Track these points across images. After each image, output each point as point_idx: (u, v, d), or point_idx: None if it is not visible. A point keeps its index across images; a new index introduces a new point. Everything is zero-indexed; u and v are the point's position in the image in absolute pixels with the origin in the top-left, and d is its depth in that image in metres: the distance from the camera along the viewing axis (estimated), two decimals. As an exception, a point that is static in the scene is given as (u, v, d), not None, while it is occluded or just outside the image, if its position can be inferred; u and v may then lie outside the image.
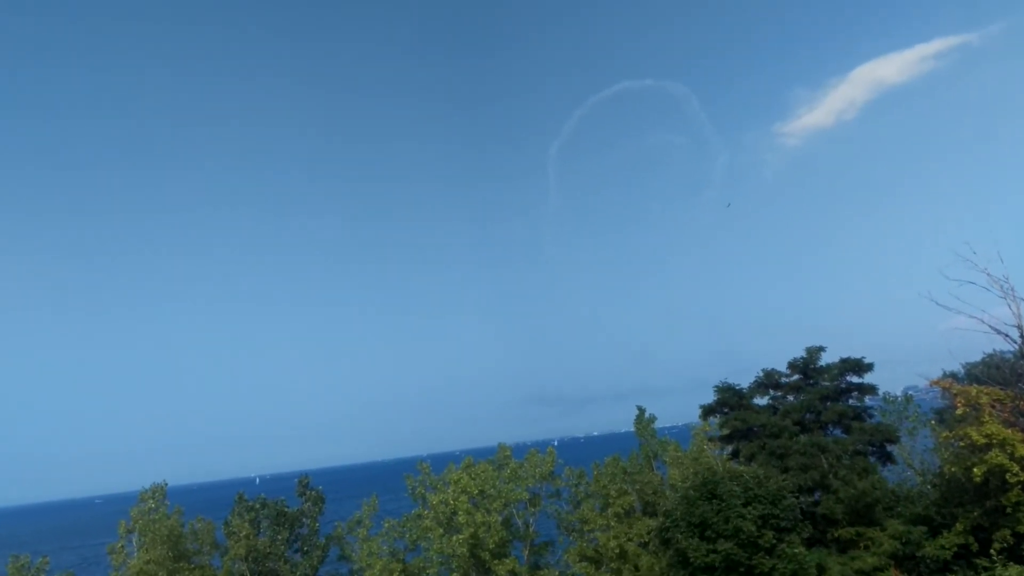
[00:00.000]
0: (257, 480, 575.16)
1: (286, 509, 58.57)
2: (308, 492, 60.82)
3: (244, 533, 54.84)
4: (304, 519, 59.13)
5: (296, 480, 63.02)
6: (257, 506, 58.27)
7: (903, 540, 41.80)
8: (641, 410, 63.09)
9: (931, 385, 47.92)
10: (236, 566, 54.73)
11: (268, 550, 55.56)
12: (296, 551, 58.02)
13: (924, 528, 42.25)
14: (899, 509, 44.46)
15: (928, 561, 41.17)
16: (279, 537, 56.62)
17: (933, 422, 57.44)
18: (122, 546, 56.07)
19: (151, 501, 57.03)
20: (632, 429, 63.77)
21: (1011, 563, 37.71)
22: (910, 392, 65.15)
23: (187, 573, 51.21)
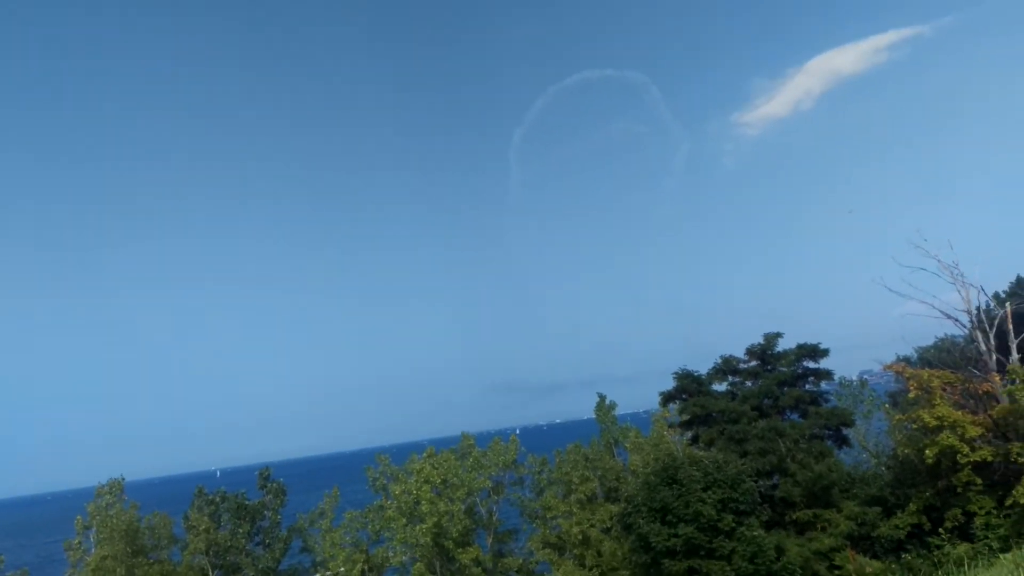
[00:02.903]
0: (218, 473, 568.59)
1: (247, 502, 58.10)
2: (269, 484, 60.42)
3: (203, 527, 54.35)
4: (265, 512, 58.73)
5: (257, 473, 62.57)
6: (217, 499, 57.76)
7: (858, 521, 42.59)
8: (602, 397, 63.62)
9: (885, 369, 48.99)
10: (196, 560, 54.25)
11: (229, 543, 55.13)
12: (258, 544, 57.64)
13: (879, 509, 43.08)
14: (855, 491, 45.27)
15: (883, 541, 42.02)
16: (240, 530, 56.17)
17: (887, 405, 58.71)
18: (79, 542, 55.26)
19: (108, 496, 56.22)
20: (593, 416, 64.33)
21: (961, 541, 38.68)
22: (865, 376, 66.59)
23: (145, 568, 50.56)
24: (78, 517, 56.05)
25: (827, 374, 51.45)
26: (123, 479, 57.64)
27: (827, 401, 52.01)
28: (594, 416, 64.27)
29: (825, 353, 50.79)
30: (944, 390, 40.98)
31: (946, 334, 56.12)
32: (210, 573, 54.14)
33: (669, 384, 54.57)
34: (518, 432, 68.50)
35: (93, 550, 53.08)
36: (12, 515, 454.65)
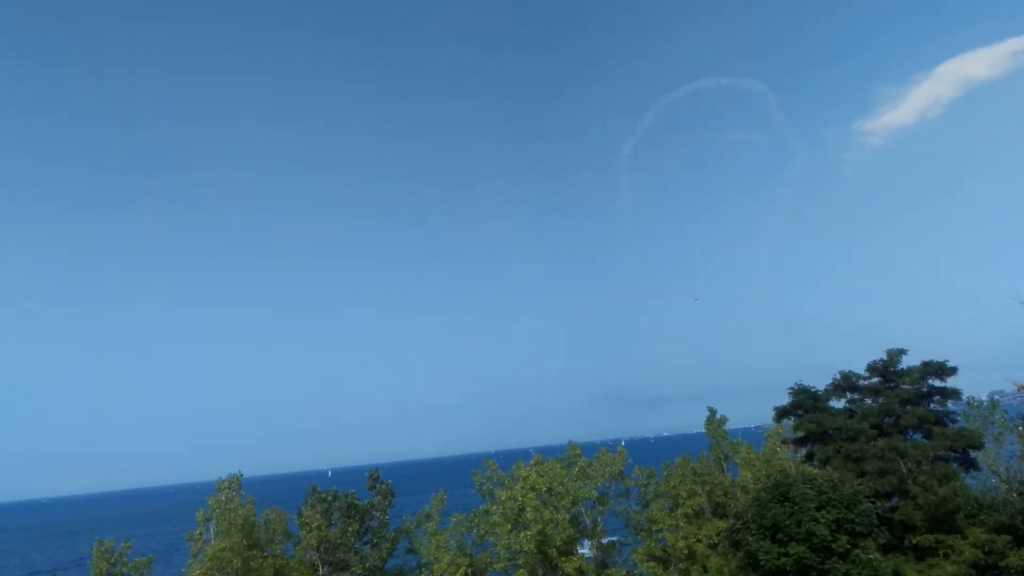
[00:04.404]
0: (329, 473, 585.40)
1: (357, 502, 59.40)
2: (378, 486, 61.59)
3: (316, 524, 55.84)
4: (374, 512, 59.90)
5: (367, 474, 63.85)
6: (329, 498, 59.22)
7: (986, 549, 40.36)
8: (712, 411, 62.30)
9: (1019, 390, 46.20)
10: (308, 556, 55.76)
11: (339, 541, 56.47)
12: (366, 543, 58.80)
13: (1008, 538, 40.71)
14: (982, 517, 42.93)
15: (1012, 572, 39.67)
16: (350, 529, 57.46)
17: (1021, 428, 55.30)
18: (200, 533, 57.46)
19: (227, 491, 58.34)
20: (703, 430, 63.02)
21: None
22: (996, 397, 62.77)
23: (260, 561, 52.28)
24: (200, 510, 58.33)
25: (954, 393, 49.12)
26: (241, 475, 59.76)
27: (954, 422, 49.64)
28: (703, 430, 62.96)
29: (953, 371, 48.53)
30: (1085, 413, 38.35)
31: (1088, 354, 52.47)
32: (320, 569, 55.60)
33: (782, 399, 53.23)
34: (624, 444, 67.64)
35: (212, 541, 55.21)
36: (139, 504, 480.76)
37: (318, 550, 55.91)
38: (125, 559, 54.65)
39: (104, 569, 52.91)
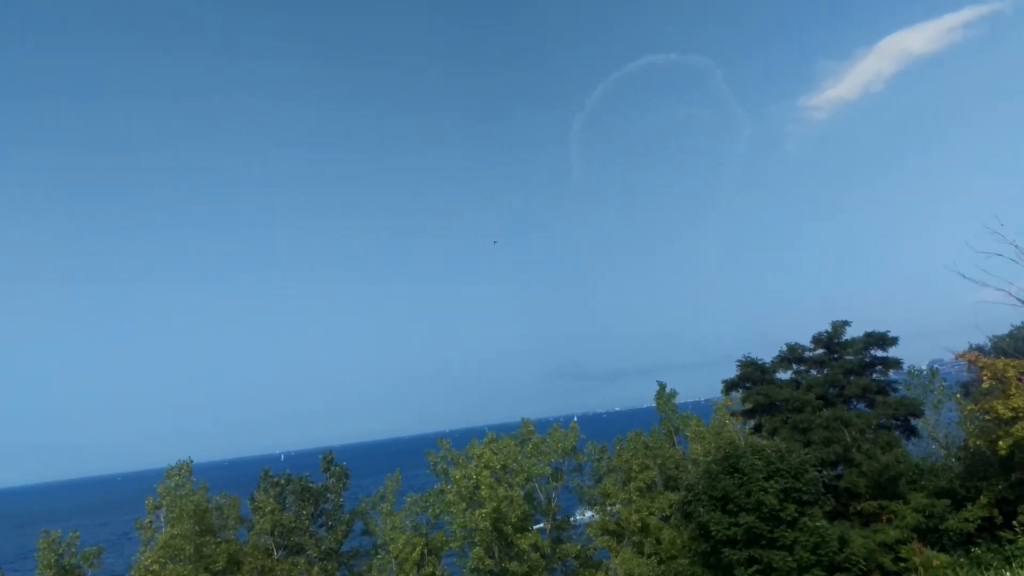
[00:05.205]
0: (282, 457, 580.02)
1: (311, 485, 59.08)
2: (332, 468, 61.32)
3: (269, 508, 55.45)
4: (328, 494, 59.65)
5: (321, 456, 63.51)
6: (282, 482, 58.84)
7: (926, 513, 41.60)
8: (662, 385, 63.19)
9: (957, 358, 47.40)
10: (262, 540, 55.38)
11: (293, 524, 56.18)
12: (321, 526, 58.60)
13: (947, 501, 42.01)
14: (922, 483, 44.22)
15: (951, 534, 40.97)
16: (304, 512, 57.17)
17: (958, 395, 57.03)
18: (150, 521, 56.65)
19: (177, 477, 57.60)
20: (653, 404, 63.84)
21: (1036, 536, 37.48)
22: (935, 366, 64.62)
23: (213, 547, 51.76)
24: (149, 497, 57.48)
25: (895, 363, 50.22)
26: (191, 461, 59.00)
27: (895, 390, 50.84)
28: (654, 404, 63.82)
29: (894, 341, 49.58)
30: (1020, 380, 39.57)
31: (1023, 322, 54.23)
32: (275, 553, 55.28)
33: (731, 372, 53.92)
34: (577, 419, 68.30)
35: (163, 529, 54.45)
36: (87, 494, 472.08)
37: (272, 534, 55.51)
38: (74, 550, 53.63)
39: (51, 560, 51.80)
